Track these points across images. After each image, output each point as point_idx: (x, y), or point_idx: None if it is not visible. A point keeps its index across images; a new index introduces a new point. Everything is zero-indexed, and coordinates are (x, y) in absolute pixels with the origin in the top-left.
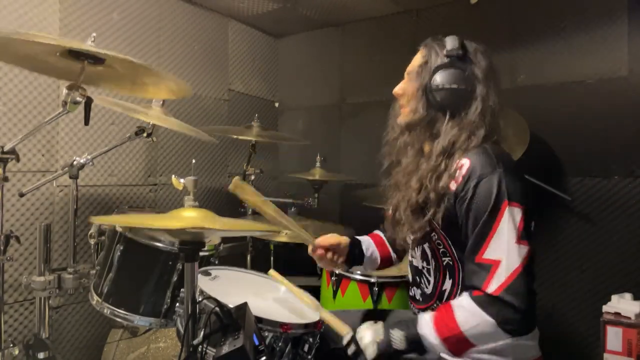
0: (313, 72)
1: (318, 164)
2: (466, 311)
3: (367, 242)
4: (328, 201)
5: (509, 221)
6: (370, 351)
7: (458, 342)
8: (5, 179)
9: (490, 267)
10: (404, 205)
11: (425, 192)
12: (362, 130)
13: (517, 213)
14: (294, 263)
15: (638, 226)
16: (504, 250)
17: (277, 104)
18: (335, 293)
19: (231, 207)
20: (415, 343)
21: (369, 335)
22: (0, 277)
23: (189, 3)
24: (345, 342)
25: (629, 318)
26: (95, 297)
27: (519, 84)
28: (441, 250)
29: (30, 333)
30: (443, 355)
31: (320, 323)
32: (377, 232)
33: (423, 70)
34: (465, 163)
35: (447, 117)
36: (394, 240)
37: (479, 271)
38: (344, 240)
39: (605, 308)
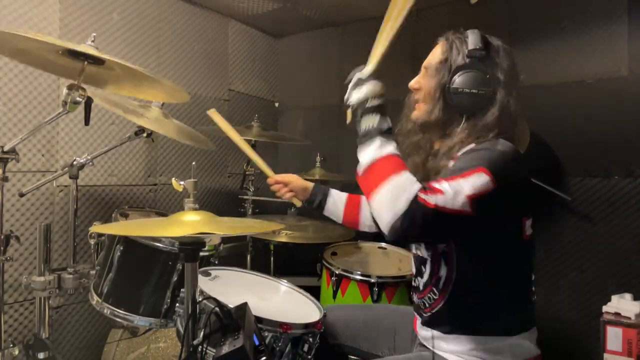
0: (313, 72)
1: (318, 164)
2: (405, 182)
3: (337, 197)
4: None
5: (474, 179)
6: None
7: (372, 184)
8: (5, 179)
9: (429, 190)
10: None
11: None
12: None
13: (487, 183)
14: (294, 263)
15: (638, 226)
16: (452, 190)
17: (277, 104)
18: (335, 293)
19: (231, 207)
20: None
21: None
22: (0, 277)
23: (189, 3)
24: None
25: (629, 318)
26: (95, 297)
27: (519, 84)
28: (441, 249)
29: (30, 333)
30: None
31: (320, 323)
32: (362, 197)
33: (443, 68)
34: (471, 146)
35: (463, 120)
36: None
37: (426, 186)
38: (307, 185)
39: (605, 308)
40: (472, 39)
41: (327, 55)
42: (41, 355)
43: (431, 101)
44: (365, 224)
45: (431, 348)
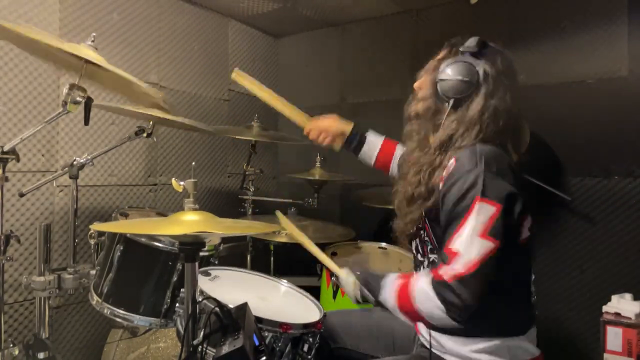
0: (313, 72)
1: (318, 164)
2: (422, 291)
3: (372, 144)
4: (328, 201)
5: (478, 215)
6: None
7: (412, 314)
8: (5, 179)
9: (450, 257)
10: (400, 197)
11: (419, 185)
12: None
13: (489, 210)
14: (294, 263)
15: (638, 226)
16: (464, 243)
17: None
18: (335, 293)
19: (231, 207)
20: (379, 304)
21: (347, 285)
22: (0, 277)
23: (189, 3)
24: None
25: (629, 318)
26: (95, 297)
27: (519, 84)
28: (429, 247)
29: (30, 333)
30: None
31: (320, 323)
32: (398, 144)
33: (439, 65)
34: (452, 162)
35: (449, 108)
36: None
37: (442, 257)
38: (344, 129)
39: (605, 308)
40: (470, 41)
41: (327, 55)
42: (41, 355)
43: (424, 93)
44: (393, 174)
45: (431, 349)
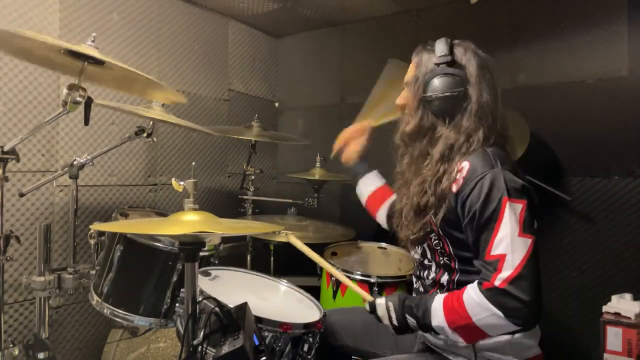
0: (313, 72)
1: (318, 164)
2: (475, 303)
3: (372, 179)
4: (328, 201)
5: (511, 216)
6: (390, 328)
7: (470, 331)
8: (5, 179)
9: (497, 263)
10: (407, 208)
11: (426, 196)
12: None
13: (518, 207)
14: (294, 263)
15: (638, 226)
16: (508, 245)
17: (277, 104)
18: (335, 293)
19: (231, 207)
20: (428, 329)
21: (383, 319)
22: (0, 277)
23: (189, 3)
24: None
25: (629, 318)
26: (95, 297)
27: (519, 84)
28: (439, 250)
29: (30, 333)
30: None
31: (320, 323)
32: (392, 196)
33: (417, 81)
34: (465, 166)
35: (446, 123)
36: (391, 217)
37: (487, 267)
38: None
39: (605, 308)
40: (439, 47)
41: (327, 55)
42: (41, 355)
43: (411, 112)
44: (379, 219)
45: (433, 347)
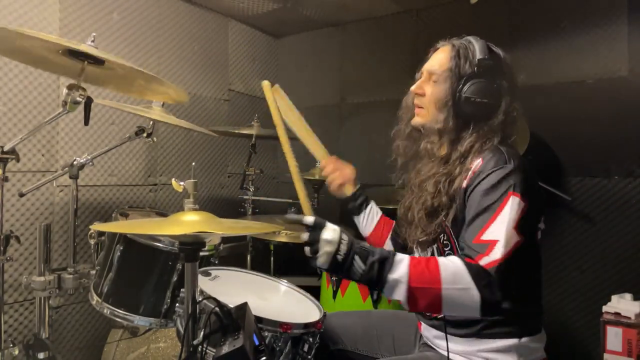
0: (313, 72)
1: (318, 164)
2: (452, 271)
3: (375, 212)
4: (328, 201)
5: (511, 208)
6: (322, 260)
7: (427, 298)
8: (5, 179)
9: (487, 246)
10: (418, 208)
11: (439, 196)
12: (362, 130)
13: (520, 205)
14: (294, 263)
15: (638, 226)
16: (503, 232)
17: None
18: (335, 293)
19: (231, 207)
20: (376, 282)
21: (328, 246)
22: (0, 277)
23: (189, 3)
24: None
25: (629, 318)
26: (95, 297)
27: (519, 84)
28: (447, 251)
29: (30, 333)
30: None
31: (320, 323)
32: (393, 222)
33: (452, 76)
34: (477, 162)
35: (472, 127)
36: (397, 241)
37: (474, 249)
38: (353, 181)
39: (605, 308)
40: (479, 47)
41: (327, 55)
42: (41, 355)
43: (441, 109)
44: (386, 247)
45: (437, 348)
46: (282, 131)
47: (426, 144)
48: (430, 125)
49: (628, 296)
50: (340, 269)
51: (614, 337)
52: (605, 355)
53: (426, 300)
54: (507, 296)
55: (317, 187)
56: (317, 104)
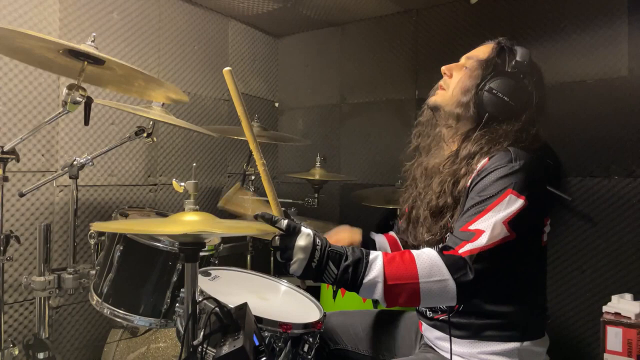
0: (313, 72)
1: (318, 164)
2: (429, 264)
3: (381, 243)
4: (328, 201)
5: (506, 205)
6: (295, 267)
7: (405, 293)
8: (5, 179)
9: (472, 235)
10: (424, 207)
11: (444, 196)
12: (362, 130)
13: (517, 202)
14: None
15: (638, 226)
16: (490, 224)
17: (277, 104)
18: (335, 293)
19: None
20: (351, 285)
21: (302, 253)
22: (0, 277)
23: (189, 3)
24: (278, 228)
25: (629, 318)
26: (95, 297)
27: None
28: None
29: (30, 333)
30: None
31: (320, 323)
32: (391, 233)
33: (487, 67)
34: (483, 162)
35: (483, 122)
36: (405, 242)
37: (458, 237)
38: (355, 239)
39: (605, 308)
40: (522, 53)
41: (327, 55)
42: (41, 355)
43: (464, 93)
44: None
45: (438, 350)
46: (246, 123)
47: (443, 127)
48: (450, 109)
49: (628, 296)
50: (314, 275)
51: (614, 337)
52: (605, 355)
53: (404, 296)
54: (485, 286)
55: (317, 187)
56: (317, 104)
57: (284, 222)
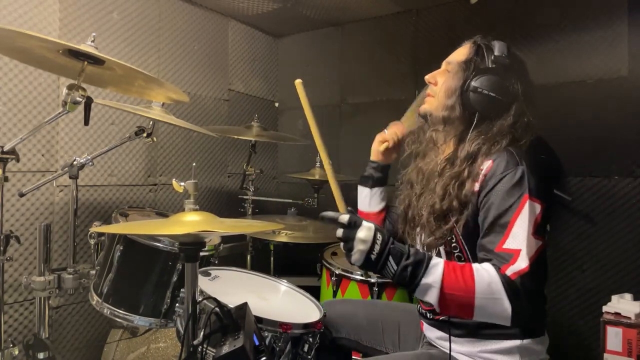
0: (313, 72)
1: (318, 164)
2: (488, 282)
3: (384, 196)
4: (328, 201)
5: (529, 214)
6: (356, 258)
7: (459, 304)
8: (5, 179)
9: (511, 256)
10: (427, 210)
11: (449, 199)
12: (362, 130)
13: (537, 208)
14: (294, 263)
15: (638, 226)
16: (524, 241)
17: (277, 104)
18: (335, 293)
19: (231, 207)
20: (408, 284)
21: (362, 244)
22: (0, 277)
23: (189, 3)
24: (340, 221)
25: (629, 318)
26: (95, 297)
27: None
28: (456, 254)
29: (30, 333)
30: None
31: (320, 323)
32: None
33: (466, 67)
34: (488, 164)
35: (475, 121)
36: (396, 234)
37: (501, 257)
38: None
39: (605, 308)
40: (499, 46)
41: (327, 55)
42: (41, 355)
43: (449, 96)
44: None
45: (441, 348)
46: (314, 127)
47: (431, 132)
48: (436, 114)
49: (628, 296)
50: (374, 267)
51: (614, 337)
52: (605, 355)
53: (458, 306)
54: (534, 303)
55: (317, 188)
56: (317, 104)
57: (346, 217)
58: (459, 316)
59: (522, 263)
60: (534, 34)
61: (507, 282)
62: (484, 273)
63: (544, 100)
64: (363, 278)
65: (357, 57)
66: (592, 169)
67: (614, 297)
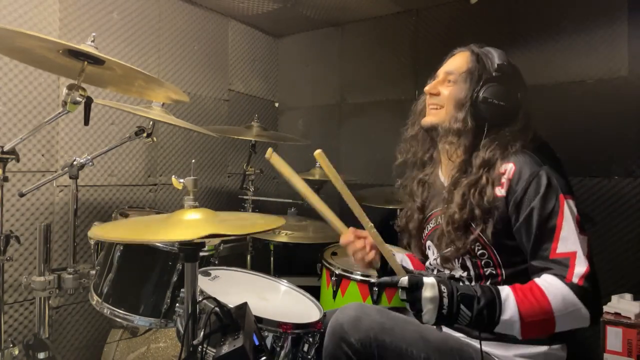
0: (313, 72)
1: (318, 164)
2: (562, 297)
3: (401, 256)
4: (328, 201)
5: (570, 214)
6: (428, 317)
7: (540, 328)
8: (5, 179)
9: (568, 260)
10: (445, 221)
11: (469, 207)
12: (362, 130)
13: (573, 205)
14: (294, 263)
15: (638, 226)
16: (575, 241)
17: (277, 104)
18: (335, 293)
19: (231, 207)
20: (487, 326)
21: (430, 303)
22: (0, 277)
23: (189, 3)
24: (400, 285)
25: (629, 318)
26: (95, 297)
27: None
28: (484, 261)
29: (30, 333)
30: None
31: (320, 323)
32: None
33: (472, 77)
34: (509, 167)
35: (486, 130)
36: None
37: (556, 265)
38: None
39: (605, 308)
40: (498, 54)
41: (327, 55)
42: (41, 355)
43: (459, 108)
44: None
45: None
46: (349, 197)
47: (444, 144)
48: (448, 125)
49: (628, 296)
50: (447, 320)
51: (614, 337)
52: (605, 355)
53: (540, 329)
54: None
55: (317, 188)
56: (317, 104)
57: (405, 280)
58: (540, 336)
59: (582, 265)
60: (534, 34)
61: (577, 290)
62: (553, 289)
63: (544, 100)
64: (363, 278)
65: (357, 57)
66: (592, 169)
67: (614, 297)
